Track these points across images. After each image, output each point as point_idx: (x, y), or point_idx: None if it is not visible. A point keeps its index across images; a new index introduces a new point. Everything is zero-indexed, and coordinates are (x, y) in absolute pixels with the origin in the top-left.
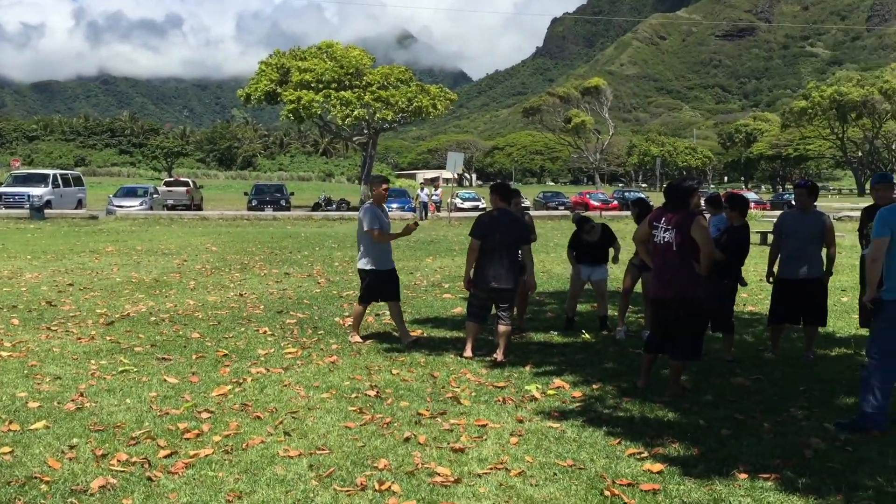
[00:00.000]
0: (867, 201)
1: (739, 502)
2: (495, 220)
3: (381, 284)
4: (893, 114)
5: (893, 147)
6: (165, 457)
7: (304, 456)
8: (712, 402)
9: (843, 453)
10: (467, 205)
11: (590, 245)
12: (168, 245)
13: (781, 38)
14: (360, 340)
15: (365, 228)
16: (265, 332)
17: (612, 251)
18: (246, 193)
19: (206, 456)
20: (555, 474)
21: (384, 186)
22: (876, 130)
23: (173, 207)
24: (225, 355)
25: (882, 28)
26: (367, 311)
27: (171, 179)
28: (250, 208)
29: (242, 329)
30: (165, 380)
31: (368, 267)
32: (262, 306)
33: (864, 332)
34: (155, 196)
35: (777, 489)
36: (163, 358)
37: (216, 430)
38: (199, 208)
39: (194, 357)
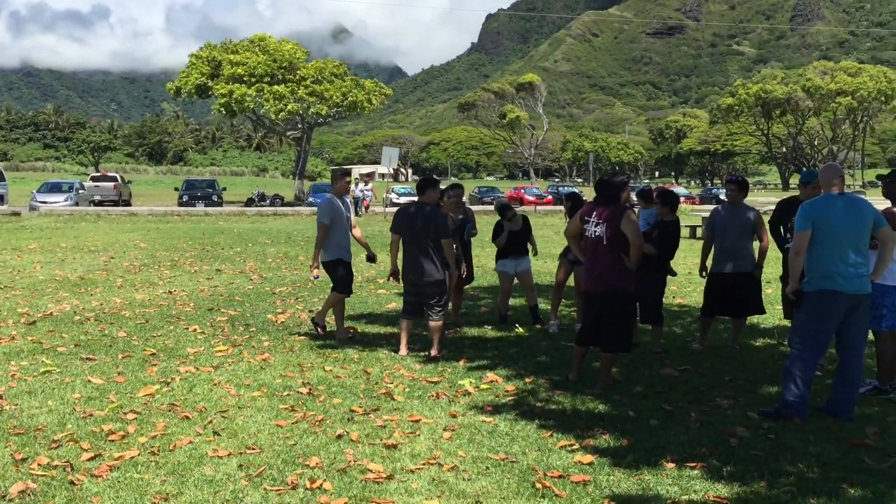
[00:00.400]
0: (792, 194)
1: (667, 491)
2: (410, 215)
3: (347, 276)
4: (815, 111)
5: (815, 143)
6: (89, 460)
7: (234, 455)
8: (642, 393)
9: (767, 441)
10: (403, 200)
11: (511, 234)
12: (94, 242)
13: (709, 37)
14: (322, 331)
15: (318, 220)
16: (195, 330)
17: (530, 245)
18: (176, 189)
19: (132, 458)
20: (487, 468)
21: (346, 179)
22: (799, 127)
23: (100, 203)
24: (152, 354)
25: (805, 27)
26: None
27: (99, 174)
28: (181, 204)
29: (171, 327)
30: (90, 380)
31: (334, 257)
32: (192, 304)
33: (788, 323)
34: (81, 192)
35: (703, 477)
36: (87, 358)
37: (142, 431)
38: (128, 204)
39: (120, 357)
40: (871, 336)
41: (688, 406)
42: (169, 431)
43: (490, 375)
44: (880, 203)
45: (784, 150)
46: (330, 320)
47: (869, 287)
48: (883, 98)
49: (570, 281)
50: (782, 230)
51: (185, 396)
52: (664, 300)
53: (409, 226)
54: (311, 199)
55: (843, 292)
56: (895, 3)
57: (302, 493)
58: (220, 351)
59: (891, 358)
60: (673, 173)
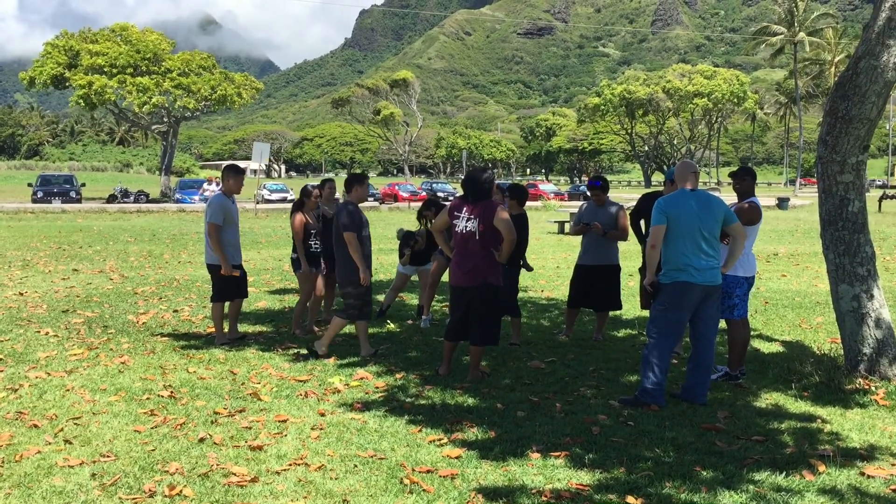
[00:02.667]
0: (654, 190)
1: (532, 481)
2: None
3: (233, 280)
4: (675, 111)
5: (675, 142)
6: None
7: (87, 464)
8: (510, 386)
9: (626, 428)
10: (275, 196)
11: (415, 252)
12: None
13: (577, 38)
14: (228, 342)
15: (207, 220)
16: (47, 333)
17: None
18: (30, 184)
19: None
20: (355, 466)
21: (241, 178)
22: (660, 126)
23: None
24: None
25: (664, 31)
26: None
27: None
28: (35, 200)
29: (21, 331)
30: None
31: (217, 262)
32: (44, 305)
33: (647, 313)
34: None
35: (567, 465)
36: None
37: None
38: None
39: None
40: (724, 325)
41: (553, 397)
42: (15, 441)
43: (360, 372)
44: (734, 200)
45: (646, 148)
46: (189, 320)
47: (720, 279)
48: (735, 100)
49: (445, 277)
50: (643, 224)
51: (34, 404)
52: (533, 294)
53: None
54: (177, 196)
55: (696, 284)
56: (746, 11)
57: (160, 501)
58: (75, 354)
59: (741, 345)
60: (543, 170)
